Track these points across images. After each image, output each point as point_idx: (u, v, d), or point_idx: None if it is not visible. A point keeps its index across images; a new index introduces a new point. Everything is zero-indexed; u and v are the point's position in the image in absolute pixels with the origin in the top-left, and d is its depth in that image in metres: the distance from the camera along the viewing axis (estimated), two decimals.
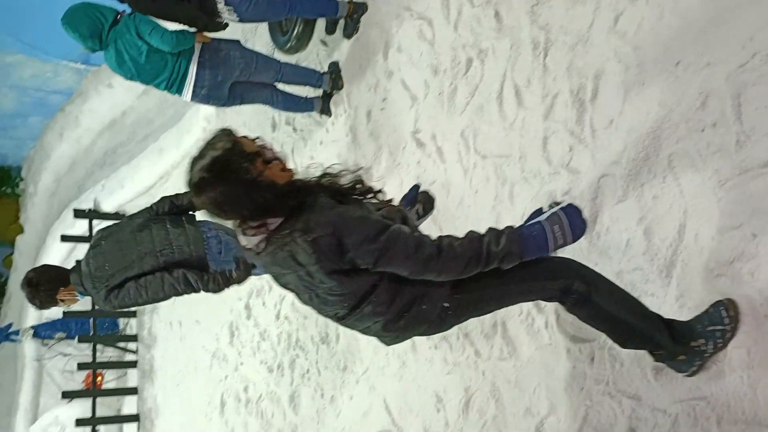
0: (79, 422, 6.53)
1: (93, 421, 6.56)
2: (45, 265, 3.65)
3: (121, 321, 7.49)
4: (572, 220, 1.94)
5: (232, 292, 5.41)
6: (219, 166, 1.79)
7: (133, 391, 6.88)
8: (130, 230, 3.33)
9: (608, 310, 2.05)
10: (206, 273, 3.27)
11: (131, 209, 7.11)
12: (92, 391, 6.91)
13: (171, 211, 3.42)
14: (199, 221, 3.45)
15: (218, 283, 3.27)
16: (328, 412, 4.14)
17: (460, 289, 2.00)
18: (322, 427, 4.16)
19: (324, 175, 1.98)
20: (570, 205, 1.97)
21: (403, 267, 1.89)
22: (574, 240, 1.96)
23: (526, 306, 2.85)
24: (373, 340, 3.80)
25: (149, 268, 3.22)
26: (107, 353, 7.51)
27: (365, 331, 2.13)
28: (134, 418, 6.77)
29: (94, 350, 6.83)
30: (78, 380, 7.72)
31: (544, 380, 2.75)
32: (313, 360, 4.39)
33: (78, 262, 3.40)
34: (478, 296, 2.03)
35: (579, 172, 2.72)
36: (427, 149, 3.58)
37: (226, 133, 1.86)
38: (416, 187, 3.03)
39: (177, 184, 6.55)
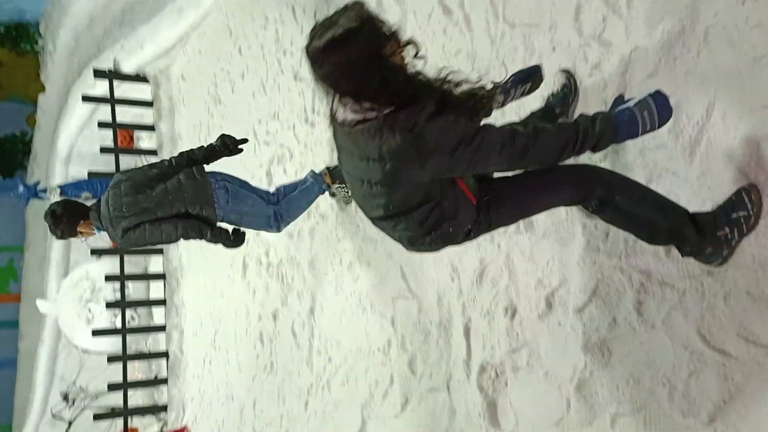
0: (108, 278, 6.84)
1: (121, 277, 6.86)
2: (67, 200, 4.05)
3: None
4: (660, 108, 1.97)
5: (254, 158, 5.48)
6: (353, 33, 1.74)
7: (158, 251, 7.13)
8: (149, 179, 3.67)
9: (630, 212, 2.10)
10: (213, 227, 3.74)
11: (151, 71, 7.05)
12: (119, 249, 7.17)
13: (187, 164, 3.77)
14: (209, 172, 3.82)
15: (220, 238, 3.78)
16: (346, 277, 4.30)
17: (486, 211, 2.10)
18: (340, 291, 4.33)
19: (445, 78, 1.92)
20: (658, 92, 1.99)
21: (502, 161, 1.92)
22: (661, 126, 2.00)
23: None
24: None
25: (162, 214, 3.61)
26: None
27: (391, 236, 2.21)
28: (161, 276, 7.06)
29: None
30: (105, 240, 7.99)
31: (557, 254, 2.81)
32: (333, 227, 4.49)
33: (98, 200, 3.77)
34: (503, 213, 2.15)
35: (611, 45, 2.62)
36: (454, 17, 3.45)
37: (359, 5, 1.80)
38: (537, 67, 2.58)
39: (197, 47, 6.44)
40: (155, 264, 7.42)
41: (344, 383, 4.25)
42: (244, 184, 4.00)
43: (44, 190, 7.41)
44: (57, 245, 8.18)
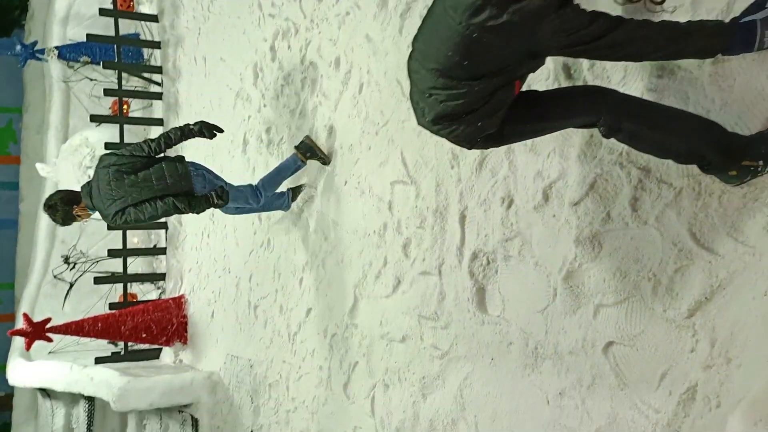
0: (108, 146, 6.83)
1: (121, 146, 6.85)
2: (59, 190, 4.46)
3: (146, 52, 7.46)
4: None
5: (258, 32, 5.34)
6: None
7: (158, 121, 7.07)
8: (133, 165, 4.07)
9: (643, 137, 2.11)
10: (192, 197, 4.13)
11: None
12: (119, 117, 7.12)
13: (165, 149, 4.17)
14: (188, 162, 4.26)
15: (201, 205, 4.14)
16: (346, 158, 4.30)
17: (501, 126, 2.18)
18: (341, 172, 4.35)
19: None
20: None
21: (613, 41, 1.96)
22: None
23: (551, 71, 2.80)
24: (398, 94, 3.83)
25: (146, 197, 4.02)
26: (132, 83, 7.60)
27: (437, 132, 2.29)
28: None
29: (120, 78, 6.90)
30: (105, 106, 7.92)
31: (559, 147, 2.80)
32: (334, 106, 4.44)
33: (88, 183, 4.15)
34: (516, 131, 2.27)
35: None
36: None
37: None
38: None
39: None
40: (155, 134, 7.39)
41: (339, 263, 4.36)
42: (219, 177, 4.46)
43: (42, 51, 7.25)
44: (56, 108, 8.11)
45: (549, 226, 2.87)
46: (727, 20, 2.07)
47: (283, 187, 4.80)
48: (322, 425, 4.51)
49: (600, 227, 2.63)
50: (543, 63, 2.17)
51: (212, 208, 4.31)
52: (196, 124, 4.27)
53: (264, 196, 4.61)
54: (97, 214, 4.21)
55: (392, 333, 3.84)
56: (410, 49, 2.19)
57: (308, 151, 4.56)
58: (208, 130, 4.26)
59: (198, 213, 4.24)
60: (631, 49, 2.01)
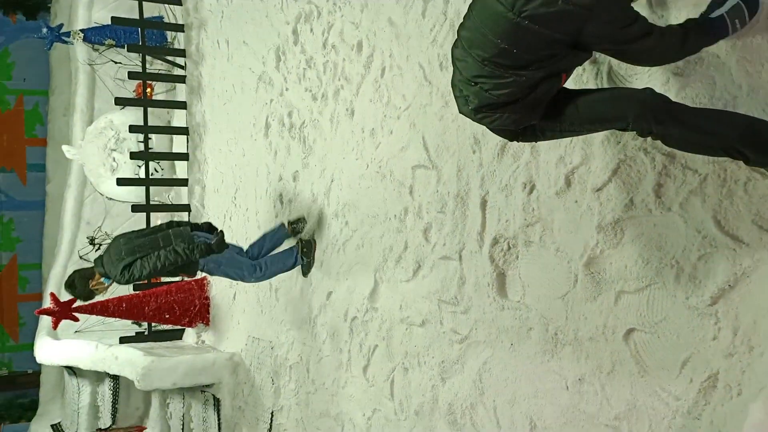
0: (133, 129, 6.90)
1: (145, 129, 6.92)
2: (75, 270, 4.76)
3: (169, 34, 7.51)
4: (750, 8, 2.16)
5: (280, 16, 5.34)
6: None
7: (182, 105, 7.12)
8: (143, 233, 4.59)
9: (676, 138, 2.12)
10: (193, 244, 4.40)
11: None
12: (143, 100, 7.19)
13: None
14: (193, 233, 4.59)
15: (201, 250, 4.37)
16: (367, 143, 4.30)
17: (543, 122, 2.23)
18: (361, 158, 4.35)
19: None
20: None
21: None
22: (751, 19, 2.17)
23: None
24: (420, 78, 3.81)
25: (151, 251, 4.34)
26: (156, 66, 7.66)
27: (478, 118, 2.28)
28: (184, 130, 7.11)
29: (144, 61, 6.95)
30: (129, 89, 7.99)
31: None
32: (356, 90, 4.44)
33: (100, 255, 4.51)
34: (548, 129, 2.29)
35: None
36: None
37: None
38: None
39: None
40: (179, 118, 7.46)
41: (359, 247, 4.38)
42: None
43: (67, 34, 7.32)
44: (81, 91, 8.20)
45: (571, 212, 2.85)
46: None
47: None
48: (341, 407, 4.55)
49: (623, 213, 2.61)
50: (590, 56, 2.19)
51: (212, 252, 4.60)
52: (204, 223, 4.92)
53: (263, 275, 4.87)
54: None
55: (412, 317, 3.86)
56: (455, 38, 2.18)
57: (306, 247, 4.88)
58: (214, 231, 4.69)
59: (200, 257, 4.47)
60: (655, 54, 2.14)
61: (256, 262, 4.86)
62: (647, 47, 2.05)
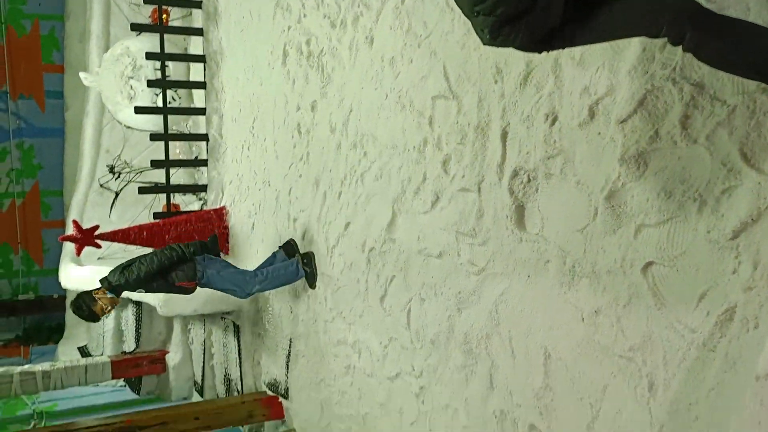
0: (149, 56, 6.83)
1: (162, 56, 6.85)
2: (79, 293, 4.92)
3: None
4: None
5: None
6: None
7: (198, 31, 7.02)
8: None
9: (711, 46, 1.91)
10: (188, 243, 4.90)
11: None
12: (159, 26, 7.08)
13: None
14: (196, 258, 4.86)
15: (196, 247, 4.87)
16: (387, 72, 4.23)
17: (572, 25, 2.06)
18: (380, 87, 4.29)
19: None
20: None
21: None
22: None
23: None
24: (442, 5, 3.70)
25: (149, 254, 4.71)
26: None
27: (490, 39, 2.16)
28: (200, 58, 7.03)
29: None
30: (145, 15, 7.87)
31: (609, 60, 2.70)
32: (376, 16, 4.33)
33: (103, 279, 4.73)
34: (577, 34, 2.09)
35: None
36: None
37: None
38: None
39: None
40: (195, 45, 7.36)
41: (377, 178, 4.37)
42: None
43: None
44: (96, 16, 8.09)
45: (593, 144, 2.80)
46: None
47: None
48: (358, 335, 4.65)
49: (647, 146, 2.55)
50: None
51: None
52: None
53: (261, 285, 5.07)
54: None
55: (429, 248, 3.87)
56: None
57: (306, 258, 5.09)
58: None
59: (189, 257, 4.79)
60: None
61: (258, 269, 5.10)
62: None
